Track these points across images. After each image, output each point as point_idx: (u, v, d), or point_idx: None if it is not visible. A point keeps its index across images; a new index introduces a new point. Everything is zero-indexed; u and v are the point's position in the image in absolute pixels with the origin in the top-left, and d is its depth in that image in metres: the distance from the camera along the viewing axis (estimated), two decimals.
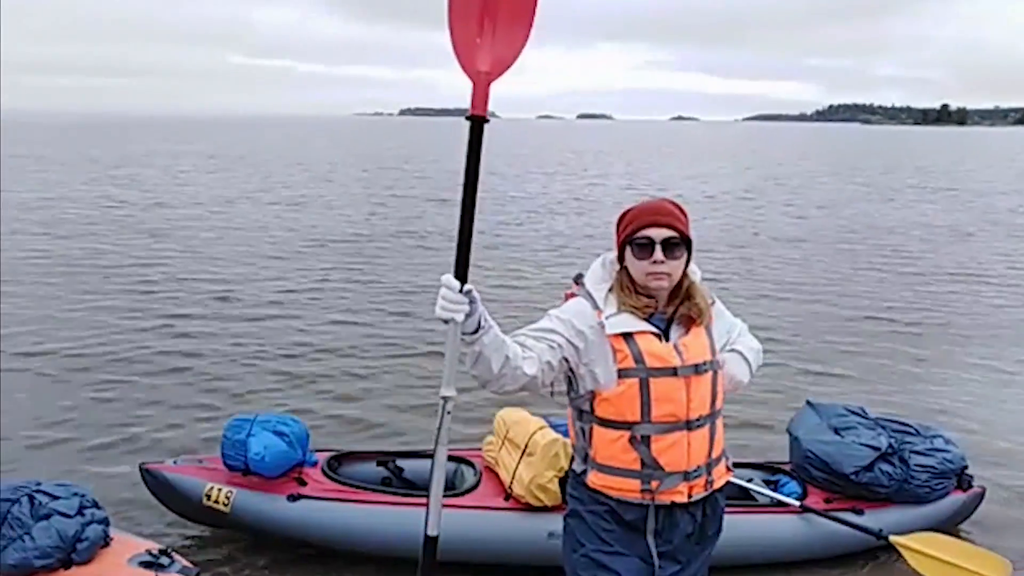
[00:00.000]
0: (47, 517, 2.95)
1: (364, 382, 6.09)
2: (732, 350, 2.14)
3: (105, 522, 3.08)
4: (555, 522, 3.18)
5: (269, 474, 3.44)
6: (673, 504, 2.00)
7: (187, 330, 7.31)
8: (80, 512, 3.02)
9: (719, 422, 2.06)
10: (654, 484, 1.97)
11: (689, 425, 1.97)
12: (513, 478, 3.38)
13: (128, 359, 6.47)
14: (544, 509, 3.33)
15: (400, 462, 3.77)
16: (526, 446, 3.41)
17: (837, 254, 12.25)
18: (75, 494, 3.10)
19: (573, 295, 2.10)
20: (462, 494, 3.45)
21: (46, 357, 6.41)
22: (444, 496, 3.36)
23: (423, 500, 3.32)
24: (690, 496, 2.00)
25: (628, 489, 1.99)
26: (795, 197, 21.09)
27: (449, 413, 1.87)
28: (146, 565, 2.93)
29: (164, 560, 2.97)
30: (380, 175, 26.76)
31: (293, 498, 3.40)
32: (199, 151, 39.45)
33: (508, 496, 3.41)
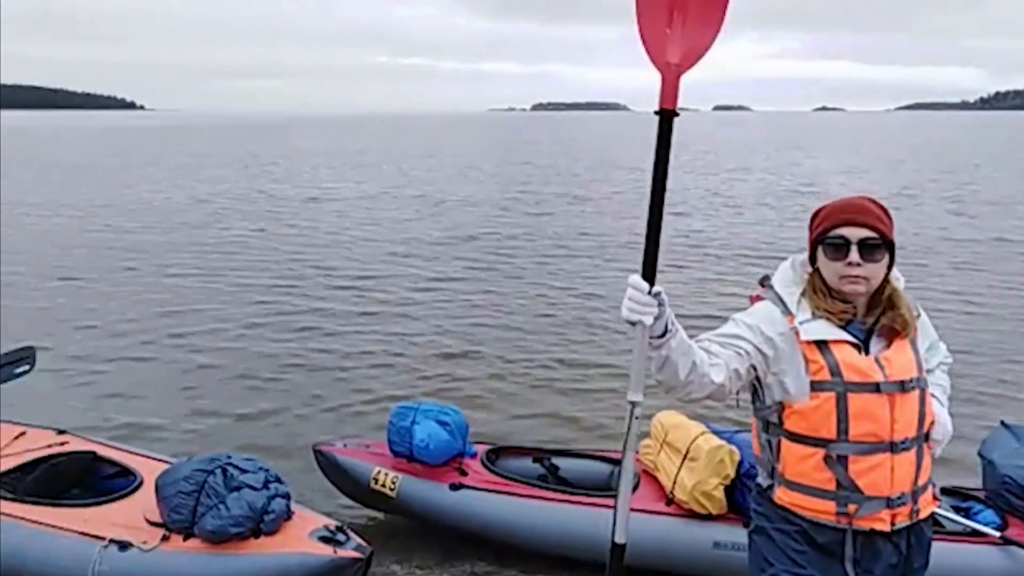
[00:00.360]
0: (238, 489, 3.17)
1: (511, 377, 6.18)
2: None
3: (287, 496, 3.28)
4: (722, 532, 3.18)
5: (432, 462, 3.56)
6: (873, 531, 1.84)
7: (336, 324, 7.65)
8: (266, 486, 3.23)
9: (927, 446, 1.90)
10: (851, 508, 1.83)
11: (893, 447, 1.81)
12: (675, 483, 3.32)
13: (288, 345, 6.94)
14: (709, 517, 3.24)
15: (555, 460, 3.80)
16: (688, 451, 3.34)
17: (1017, 258, 11.09)
18: (260, 468, 3.32)
19: (759, 298, 1.98)
20: None
21: (220, 348, 6.92)
22: (602, 496, 3.44)
23: (580, 499, 3.42)
24: (893, 524, 1.84)
25: (822, 511, 1.86)
26: (961, 193, 19.33)
27: (637, 418, 1.81)
28: (325, 540, 3.09)
29: (341, 536, 3.12)
30: (514, 171, 27.12)
31: (455, 487, 3.49)
32: (345, 149, 41.63)
33: (670, 501, 3.35)
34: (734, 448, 3.25)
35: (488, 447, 3.83)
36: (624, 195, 19.15)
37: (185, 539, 3.12)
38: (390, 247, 11.94)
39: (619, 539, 1.90)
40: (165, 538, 3.12)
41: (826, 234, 1.87)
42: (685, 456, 3.33)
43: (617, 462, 3.68)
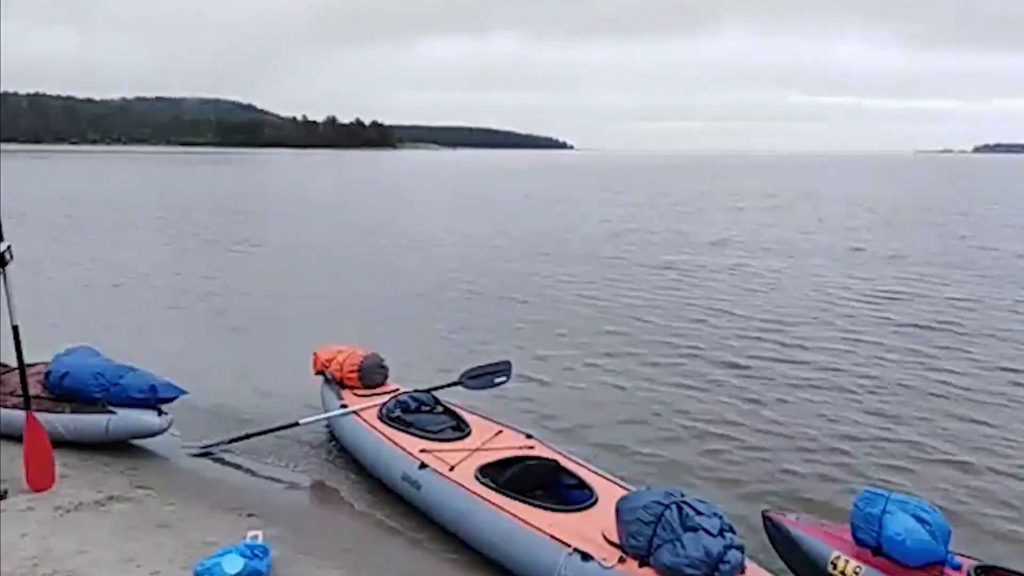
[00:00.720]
0: (694, 530, 3.16)
1: (980, 478, 5.23)
2: None
3: (742, 549, 3.20)
4: None
5: (907, 562, 3.14)
6: None
7: (755, 383, 7.19)
8: (721, 533, 3.17)
9: None
10: None
11: None
12: None
13: (703, 396, 6.86)
14: None
15: None
16: None
17: None
18: (715, 514, 3.27)
19: None
20: None
21: (638, 385, 7.13)
22: None
23: None
24: None
25: None
26: None
27: None
28: None
29: None
30: (953, 221, 23.46)
31: None
32: (757, 191, 40.85)
33: None
34: None
35: (976, 563, 3.24)
36: None
37: (640, 566, 3.21)
38: (806, 301, 11.20)
39: None
40: (622, 560, 3.27)
41: None
42: None
43: None
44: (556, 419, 6.11)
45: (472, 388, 5.48)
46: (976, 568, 3.17)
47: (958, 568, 3.15)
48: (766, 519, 3.68)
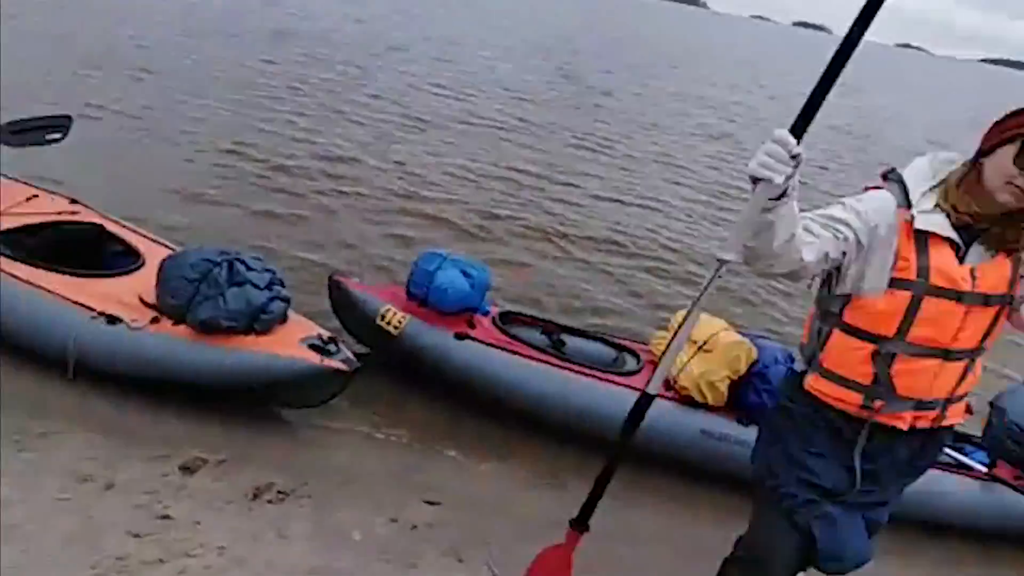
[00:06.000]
0: (240, 284, 3.06)
1: (548, 250, 5.67)
2: None
3: (287, 301, 3.19)
4: (713, 422, 3.17)
5: (445, 308, 3.38)
6: (893, 428, 1.82)
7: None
8: (269, 287, 3.12)
9: (980, 360, 1.84)
10: (877, 404, 1.79)
11: (947, 355, 1.76)
12: (681, 370, 3.22)
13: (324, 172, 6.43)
14: (704, 407, 3.18)
15: (564, 336, 3.64)
16: (704, 342, 3.24)
17: None
18: (267, 270, 3.21)
19: (876, 188, 1.81)
20: (625, 375, 3.35)
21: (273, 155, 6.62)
22: (603, 372, 3.34)
23: (582, 370, 3.30)
24: (912, 426, 1.82)
25: (847, 401, 1.82)
26: None
27: (720, 277, 1.66)
28: (314, 348, 2.99)
29: (331, 347, 3.02)
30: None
31: (460, 337, 3.34)
32: None
33: (670, 387, 3.25)
34: (753, 348, 3.19)
35: (501, 310, 3.67)
36: None
37: (175, 324, 3.02)
38: None
39: (651, 390, 1.89)
40: (155, 320, 3.03)
41: None
42: (700, 347, 3.23)
43: (624, 348, 3.63)
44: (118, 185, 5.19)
45: (13, 145, 3.94)
46: (500, 312, 3.56)
47: (487, 313, 3.52)
48: (331, 282, 3.63)
